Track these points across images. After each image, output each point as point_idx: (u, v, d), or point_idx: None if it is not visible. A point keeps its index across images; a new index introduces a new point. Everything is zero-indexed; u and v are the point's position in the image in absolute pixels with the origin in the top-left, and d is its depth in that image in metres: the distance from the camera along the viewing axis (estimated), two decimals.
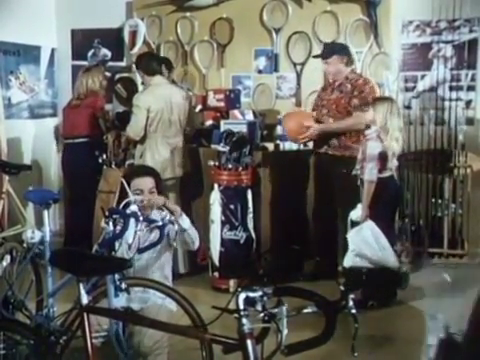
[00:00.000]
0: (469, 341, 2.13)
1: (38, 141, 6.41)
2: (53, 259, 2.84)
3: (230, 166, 4.90)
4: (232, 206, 4.90)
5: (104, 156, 5.48)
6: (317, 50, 5.56)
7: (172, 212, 3.28)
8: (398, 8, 5.62)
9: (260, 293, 1.81)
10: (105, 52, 6.55)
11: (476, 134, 5.63)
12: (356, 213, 4.32)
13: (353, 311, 1.80)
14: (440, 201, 5.57)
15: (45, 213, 3.56)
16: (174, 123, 5.14)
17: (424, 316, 4.30)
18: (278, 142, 5.43)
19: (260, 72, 6.12)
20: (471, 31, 5.54)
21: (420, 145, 5.52)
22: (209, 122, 5.71)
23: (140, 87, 5.89)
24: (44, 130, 6.51)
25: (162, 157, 5.08)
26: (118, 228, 3.11)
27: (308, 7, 5.84)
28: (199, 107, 5.75)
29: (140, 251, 3.28)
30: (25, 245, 3.64)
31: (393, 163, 4.40)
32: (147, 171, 3.58)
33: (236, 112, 5.62)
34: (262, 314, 1.80)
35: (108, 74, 6.23)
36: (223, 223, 4.90)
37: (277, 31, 5.96)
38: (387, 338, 4.02)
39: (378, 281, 4.29)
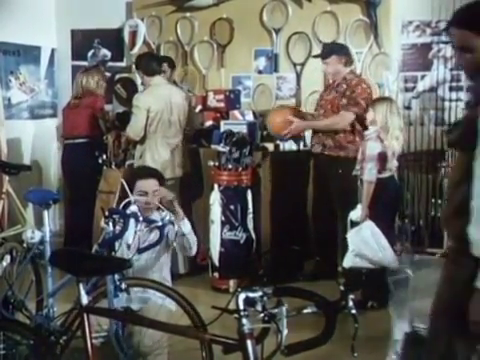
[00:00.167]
0: (430, 334, 2.15)
1: (38, 141, 6.41)
2: (53, 259, 2.84)
3: (230, 166, 4.90)
4: (232, 206, 4.90)
5: (104, 156, 5.48)
6: (317, 50, 5.56)
7: (174, 213, 3.27)
8: (398, 8, 5.62)
9: (260, 293, 1.81)
10: (105, 52, 6.55)
11: None
12: (356, 213, 4.32)
13: (353, 311, 1.80)
14: (440, 201, 5.57)
15: (45, 213, 3.56)
16: (174, 123, 5.15)
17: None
18: (278, 142, 5.43)
19: (260, 72, 6.12)
20: None
21: (420, 145, 5.52)
22: (209, 122, 5.71)
23: (140, 87, 5.89)
24: (44, 130, 6.50)
25: (162, 157, 5.08)
26: (118, 228, 3.11)
27: (308, 7, 5.84)
28: (199, 107, 5.74)
29: (140, 251, 3.29)
30: (25, 245, 3.64)
31: (393, 163, 4.40)
32: (151, 173, 3.58)
33: (236, 112, 5.62)
34: (262, 314, 1.80)
35: (108, 74, 6.23)
36: (223, 223, 4.90)
37: (277, 31, 5.96)
38: (387, 338, 4.01)
39: (378, 281, 4.29)
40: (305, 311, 1.85)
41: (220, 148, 4.95)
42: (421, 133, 5.56)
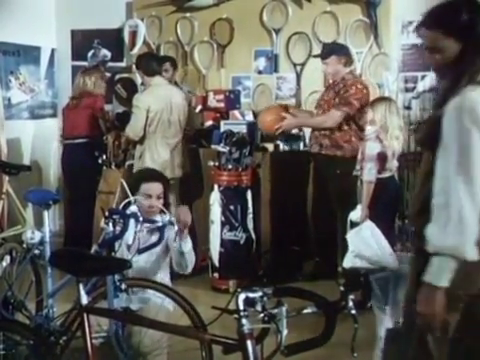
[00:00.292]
0: (404, 328, 2.19)
1: (38, 142, 6.41)
2: (53, 259, 2.84)
3: (230, 167, 4.90)
4: (232, 207, 4.90)
5: (104, 157, 5.49)
6: (317, 51, 5.56)
7: (181, 231, 3.20)
8: (398, 9, 5.62)
9: (260, 293, 1.81)
10: (105, 52, 6.55)
11: None
12: (356, 214, 4.32)
13: (353, 311, 1.80)
14: None
15: (45, 213, 3.56)
16: (174, 124, 5.15)
17: None
18: (278, 143, 5.43)
19: (260, 73, 6.12)
20: None
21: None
22: (209, 123, 5.71)
23: (140, 88, 5.89)
24: (44, 131, 6.51)
25: (161, 158, 5.08)
26: (118, 229, 3.11)
27: (308, 8, 5.84)
28: (199, 107, 5.75)
29: (140, 252, 3.28)
30: (25, 245, 3.64)
31: (393, 163, 4.39)
32: (156, 176, 3.56)
33: (236, 113, 5.62)
34: (262, 314, 1.80)
35: (108, 74, 6.23)
36: (223, 224, 4.90)
37: (277, 32, 5.96)
38: None
39: None
40: (305, 311, 1.85)
41: (220, 148, 4.95)
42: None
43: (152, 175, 3.60)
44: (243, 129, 5.15)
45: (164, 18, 6.27)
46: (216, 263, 4.93)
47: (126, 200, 3.22)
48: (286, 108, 5.23)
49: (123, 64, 6.54)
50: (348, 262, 4.28)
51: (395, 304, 3.10)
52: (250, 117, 5.61)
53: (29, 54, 6.32)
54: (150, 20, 6.33)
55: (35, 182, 6.10)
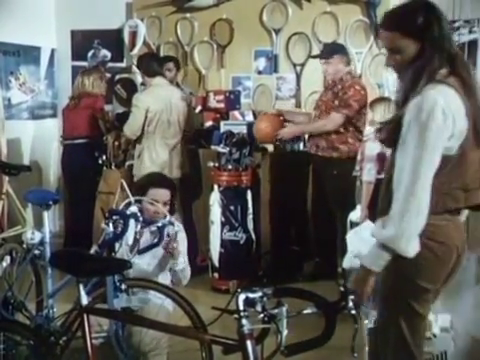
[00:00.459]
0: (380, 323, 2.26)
1: (38, 142, 6.41)
2: (53, 260, 2.84)
3: (230, 167, 4.90)
4: (232, 207, 4.90)
5: (104, 157, 5.48)
6: (317, 51, 5.57)
7: (173, 250, 3.20)
8: None
9: (260, 294, 1.81)
10: (105, 53, 6.55)
11: None
12: (355, 214, 4.32)
13: (353, 312, 1.81)
14: None
15: (45, 214, 3.56)
16: (173, 124, 5.15)
17: None
18: (278, 143, 5.43)
19: (260, 73, 6.12)
20: (471, 32, 5.54)
21: None
22: (209, 123, 5.71)
23: (140, 88, 5.89)
24: (44, 131, 6.50)
25: (160, 158, 5.08)
26: (118, 229, 3.11)
27: (308, 8, 5.84)
28: (199, 108, 5.74)
29: (140, 252, 3.28)
30: (25, 246, 3.64)
31: None
32: (165, 183, 3.55)
33: (236, 113, 5.62)
34: (262, 315, 1.80)
35: (108, 75, 6.23)
36: (223, 224, 4.90)
37: (277, 32, 5.96)
38: None
39: None
40: (305, 312, 1.85)
41: (220, 149, 4.95)
42: None
43: (161, 181, 3.57)
44: (243, 129, 5.15)
45: (164, 18, 6.27)
46: (216, 263, 4.93)
47: (126, 200, 3.22)
48: (280, 114, 5.22)
49: (123, 64, 6.54)
50: (347, 262, 4.28)
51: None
52: (250, 117, 5.60)
53: (29, 54, 6.32)
54: (150, 20, 6.33)
55: (35, 182, 6.10)
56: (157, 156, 5.08)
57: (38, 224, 4.31)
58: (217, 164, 4.96)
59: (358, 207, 4.33)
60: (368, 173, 4.24)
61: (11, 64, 6.11)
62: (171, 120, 5.13)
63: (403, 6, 2.23)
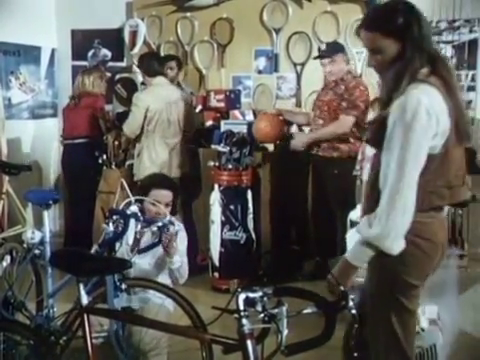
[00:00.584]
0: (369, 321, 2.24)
1: (38, 142, 6.41)
2: (53, 259, 2.84)
3: (230, 166, 4.90)
4: (232, 206, 4.90)
5: (104, 157, 5.48)
6: (317, 50, 5.56)
7: (169, 247, 3.19)
8: None
9: (260, 293, 1.81)
10: (105, 52, 6.55)
11: (476, 134, 5.62)
12: (355, 213, 4.32)
13: (353, 311, 1.80)
14: None
15: (45, 213, 3.56)
16: (173, 124, 5.15)
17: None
18: (278, 142, 5.42)
19: (260, 72, 6.12)
20: (471, 31, 5.54)
21: None
22: (209, 122, 5.71)
23: (140, 87, 5.89)
24: (44, 131, 6.50)
25: (160, 157, 5.08)
26: (119, 229, 3.10)
27: (308, 7, 5.84)
28: (199, 107, 5.74)
29: (140, 252, 3.28)
30: (25, 245, 3.64)
31: None
32: (167, 185, 3.54)
33: (236, 112, 5.62)
34: (262, 314, 1.80)
35: (108, 74, 6.23)
36: (223, 223, 4.90)
37: (277, 31, 5.96)
38: None
39: None
40: (305, 311, 1.85)
41: (220, 148, 4.95)
42: None
43: (163, 182, 3.57)
44: (243, 129, 5.15)
45: (164, 18, 6.27)
46: (216, 263, 4.93)
47: (127, 200, 3.22)
48: (280, 113, 5.22)
49: (123, 64, 6.54)
50: None
51: None
52: (250, 117, 5.60)
53: (29, 54, 6.32)
54: (150, 20, 6.33)
55: (35, 182, 6.10)
56: (156, 156, 5.08)
57: (38, 224, 4.32)
58: (217, 163, 4.96)
59: (358, 207, 4.32)
60: (368, 173, 4.23)
61: (11, 64, 6.11)
62: (171, 120, 5.12)
63: (383, 6, 2.27)
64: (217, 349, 2.27)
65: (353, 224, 4.34)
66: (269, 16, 5.98)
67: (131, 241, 3.32)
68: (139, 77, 5.88)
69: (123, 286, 2.88)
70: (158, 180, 3.64)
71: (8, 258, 3.67)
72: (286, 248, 5.26)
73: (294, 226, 5.34)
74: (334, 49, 4.94)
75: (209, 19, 6.14)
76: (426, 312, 3.07)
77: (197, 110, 5.70)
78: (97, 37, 6.53)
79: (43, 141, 6.48)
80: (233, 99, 5.65)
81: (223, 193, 4.90)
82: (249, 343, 1.84)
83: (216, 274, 4.94)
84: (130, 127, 5.13)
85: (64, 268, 2.66)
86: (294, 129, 5.45)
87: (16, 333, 2.69)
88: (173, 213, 3.47)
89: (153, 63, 5.19)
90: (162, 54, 6.14)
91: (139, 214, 3.26)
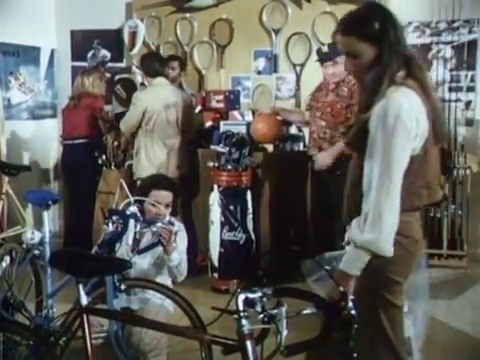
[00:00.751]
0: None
1: (38, 142, 6.41)
2: (53, 260, 2.84)
3: (229, 167, 4.90)
4: (231, 207, 4.90)
5: (103, 157, 5.48)
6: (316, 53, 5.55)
7: (168, 244, 3.19)
8: (397, 9, 5.57)
9: (259, 294, 1.81)
10: (105, 53, 6.55)
11: (475, 135, 5.64)
12: None
13: (352, 312, 1.81)
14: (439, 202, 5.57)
15: (45, 214, 3.56)
16: (172, 124, 5.15)
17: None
18: (277, 143, 5.43)
19: (259, 73, 6.13)
20: (471, 32, 5.55)
21: None
22: (209, 123, 5.71)
23: (139, 88, 5.89)
24: (44, 131, 6.51)
25: (157, 158, 5.08)
26: (118, 229, 3.10)
27: (307, 8, 5.85)
28: (199, 108, 5.75)
29: (140, 252, 3.29)
30: (25, 246, 3.64)
31: None
32: (167, 185, 3.54)
33: (236, 113, 5.62)
34: (262, 315, 1.80)
35: (108, 75, 6.23)
36: (222, 224, 4.90)
37: (276, 32, 5.97)
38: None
39: None
40: (305, 312, 1.85)
41: (219, 149, 4.95)
42: None
43: (163, 183, 3.57)
44: (243, 129, 5.15)
45: (164, 18, 6.27)
46: (216, 263, 4.93)
47: (126, 200, 3.22)
48: (276, 113, 5.23)
49: (123, 65, 6.55)
50: None
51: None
52: (250, 117, 5.60)
53: (29, 54, 6.33)
54: (150, 20, 6.33)
55: (35, 182, 6.10)
56: (154, 156, 5.09)
57: (38, 224, 4.32)
58: (217, 164, 4.96)
59: None
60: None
61: (11, 64, 6.11)
62: (170, 120, 5.13)
63: (358, 11, 2.28)
64: (217, 350, 2.27)
65: None
66: (268, 17, 5.98)
67: (131, 241, 3.32)
68: (138, 78, 5.89)
69: (122, 287, 2.88)
70: (158, 181, 3.64)
71: (8, 258, 3.67)
72: (285, 249, 5.26)
73: (293, 226, 5.34)
74: (336, 51, 4.90)
75: (208, 20, 6.15)
76: None
77: (196, 111, 5.70)
78: (96, 38, 6.54)
79: (43, 141, 6.48)
80: (232, 100, 5.66)
81: (222, 194, 4.90)
82: (249, 344, 1.84)
83: (216, 275, 4.94)
84: (126, 125, 5.17)
85: (64, 268, 2.65)
86: (293, 130, 5.46)
87: (16, 333, 2.69)
88: (173, 214, 3.48)
89: (154, 63, 5.19)
90: (170, 54, 6.13)
91: (138, 214, 3.26)
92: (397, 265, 2.19)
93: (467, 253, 5.47)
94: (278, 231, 5.27)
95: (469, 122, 5.60)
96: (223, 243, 4.91)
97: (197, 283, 4.89)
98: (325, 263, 3.34)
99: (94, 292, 2.86)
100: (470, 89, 5.59)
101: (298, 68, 5.98)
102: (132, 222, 3.24)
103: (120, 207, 3.24)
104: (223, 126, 5.26)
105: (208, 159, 5.13)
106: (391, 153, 2.07)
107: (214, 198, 4.93)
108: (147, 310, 3.14)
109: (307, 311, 1.85)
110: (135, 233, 3.33)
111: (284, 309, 1.80)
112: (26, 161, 6.19)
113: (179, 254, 3.27)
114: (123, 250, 3.24)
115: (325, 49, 4.96)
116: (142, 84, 5.55)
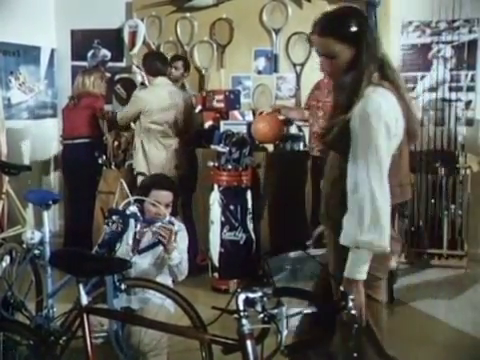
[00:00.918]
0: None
1: (38, 142, 6.41)
2: (53, 260, 2.84)
3: (230, 167, 4.90)
4: (232, 207, 4.90)
5: (104, 157, 5.48)
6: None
7: (169, 243, 3.19)
8: (398, 9, 5.62)
9: (260, 294, 1.81)
10: (105, 53, 6.55)
11: (476, 135, 5.63)
12: None
13: (353, 311, 1.81)
14: (440, 202, 5.57)
15: (45, 214, 3.56)
16: (171, 125, 5.14)
17: (424, 316, 4.31)
18: (278, 142, 5.43)
19: (260, 73, 6.13)
20: (471, 32, 5.55)
21: (420, 146, 5.51)
22: (209, 123, 5.71)
23: (139, 87, 5.88)
24: (44, 131, 6.51)
25: (156, 158, 5.08)
26: (118, 229, 3.10)
27: (308, 8, 5.84)
28: (199, 108, 5.75)
29: (140, 252, 3.29)
30: (25, 246, 3.63)
31: None
32: (167, 185, 3.53)
33: (236, 113, 5.62)
34: (262, 315, 1.80)
35: (108, 75, 6.23)
36: (223, 224, 4.90)
37: (277, 32, 5.96)
38: (386, 338, 4.01)
39: None
40: (305, 311, 1.85)
41: (220, 148, 4.95)
42: (421, 133, 5.54)
43: (163, 183, 3.56)
44: (243, 129, 5.15)
45: (164, 18, 6.27)
46: (216, 263, 4.93)
47: (126, 200, 3.22)
48: (277, 110, 5.23)
49: (123, 64, 6.55)
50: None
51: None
52: (250, 117, 5.60)
53: (29, 54, 6.32)
54: (150, 20, 6.33)
55: (35, 182, 6.10)
56: (152, 155, 5.09)
57: (38, 224, 4.32)
58: (217, 164, 4.96)
59: None
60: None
61: (11, 64, 6.11)
62: (170, 120, 5.12)
63: (334, 12, 2.30)
64: (217, 349, 2.27)
65: None
66: (269, 16, 5.98)
67: (131, 241, 3.32)
68: (138, 77, 5.88)
69: (122, 286, 2.88)
70: (158, 181, 3.63)
71: (8, 258, 3.67)
72: (285, 248, 5.25)
73: (293, 227, 5.33)
74: None
75: (209, 19, 6.15)
76: None
77: (197, 110, 5.70)
78: (97, 37, 6.54)
79: (43, 141, 6.48)
80: (233, 99, 5.66)
81: (223, 193, 4.90)
82: (249, 343, 1.84)
83: (216, 274, 4.94)
84: (122, 118, 5.26)
85: (64, 268, 2.65)
86: (293, 129, 5.46)
87: (16, 333, 2.68)
88: (173, 214, 3.47)
89: (156, 63, 5.19)
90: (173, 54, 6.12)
91: (138, 214, 3.26)
92: (379, 262, 2.21)
93: (467, 253, 5.47)
94: (278, 231, 5.27)
95: (469, 122, 5.60)
96: (223, 243, 4.91)
97: (197, 283, 4.89)
98: (288, 263, 3.37)
99: (94, 292, 2.86)
100: (470, 89, 5.59)
101: (298, 68, 5.98)
102: (132, 222, 3.24)
103: (120, 207, 3.24)
104: (223, 126, 5.26)
105: (208, 159, 5.13)
106: (380, 154, 2.11)
107: (214, 198, 4.93)
108: (147, 310, 3.14)
109: (307, 311, 1.85)
110: (135, 233, 3.33)
111: (284, 309, 1.80)
112: (26, 161, 6.19)
113: (180, 253, 3.26)
114: (123, 250, 3.24)
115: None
116: (142, 84, 5.54)
